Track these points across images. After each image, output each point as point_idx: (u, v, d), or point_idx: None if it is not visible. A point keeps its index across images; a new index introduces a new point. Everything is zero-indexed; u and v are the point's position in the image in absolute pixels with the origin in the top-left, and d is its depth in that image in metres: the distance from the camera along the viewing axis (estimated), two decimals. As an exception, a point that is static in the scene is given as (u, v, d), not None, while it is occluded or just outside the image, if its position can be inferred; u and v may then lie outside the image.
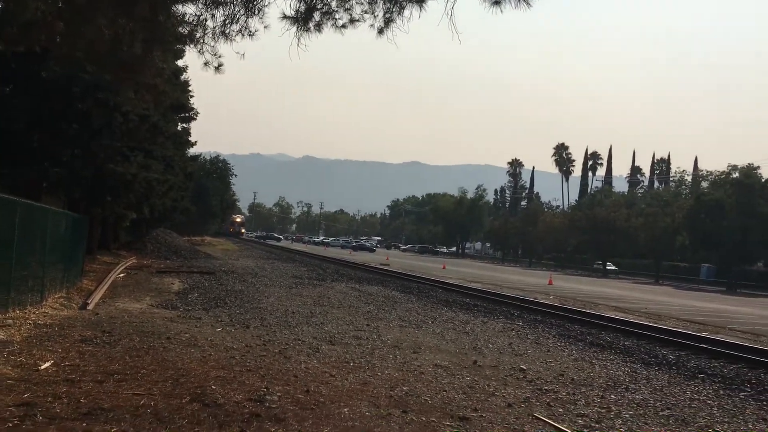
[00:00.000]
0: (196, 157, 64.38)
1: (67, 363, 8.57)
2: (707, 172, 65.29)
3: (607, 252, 73.64)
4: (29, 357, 8.74)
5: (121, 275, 23.21)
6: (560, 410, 8.14)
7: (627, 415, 8.15)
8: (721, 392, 10.20)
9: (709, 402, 9.37)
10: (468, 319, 17.42)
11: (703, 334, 17.00)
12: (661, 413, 8.44)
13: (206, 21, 10.15)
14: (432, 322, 15.95)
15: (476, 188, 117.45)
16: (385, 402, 7.82)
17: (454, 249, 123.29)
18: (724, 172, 59.07)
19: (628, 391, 9.67)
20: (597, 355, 12.99)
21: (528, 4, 8.53)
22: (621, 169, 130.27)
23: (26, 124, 21.25)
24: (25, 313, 12.23)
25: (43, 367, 8.23)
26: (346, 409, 7.32)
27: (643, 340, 15.57)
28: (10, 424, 5.97)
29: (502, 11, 8.76)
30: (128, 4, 9.38)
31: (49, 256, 14.68)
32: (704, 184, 64.96)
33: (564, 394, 9.08)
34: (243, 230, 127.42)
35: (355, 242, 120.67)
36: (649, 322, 19.65)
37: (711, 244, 56.97)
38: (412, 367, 10.14)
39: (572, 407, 8.34)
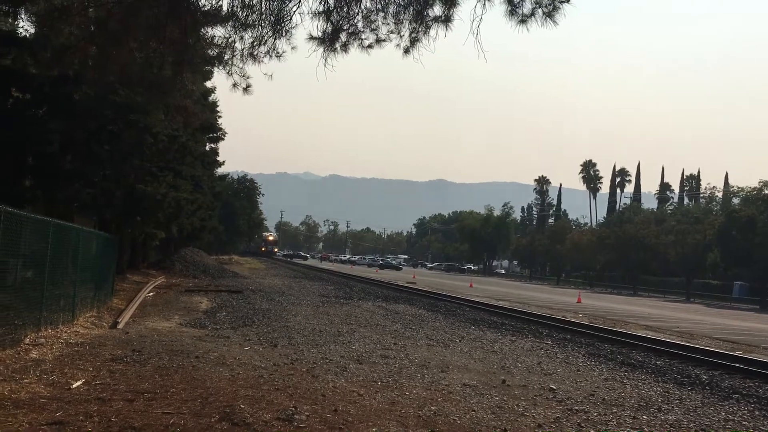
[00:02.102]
0: (223, 177, 65.16)
1: (98, 382, 8.66)
2: (738, 188, 64.51)
3: (636, 270, 72.70)
4: (61, 376, 8.85)
5: (151, 294, 23.44)
6: (591, 431, 8.03)
7: (660, 437, 8.00)
8: (757, 413, 9.97)
9: (744, 423, 9.17)
10: (496, 337, 17.29)
11: (737, 353, 16.66)
12: (695, 434, 8.27)
13: (235, 43, 10.32)
14: (460, 341, 15.85)
15: (503, 206, 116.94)
16: (414, 422, 7.77)
17: (480, 267, 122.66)
18: (755, 188, 58.20)
19: (661, 411, 9.49)
20: (628, 374, 12.79)
21: (555, 22, 8.54)
22: (649, 186, 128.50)
23: (59, 146, 21.69)
24: (57, 331, 12.41)
25: (74, 385, 8.33)
26: (374, 429, 7.29)
27: (675, 359, 15.31)
28: (43, 443, 6.04)
29: (528, 30, 8.79)
30: (159, 27, 9.55)
31: (81, 276, 14.90)
32: (735, 201, 64.01)
33: (595, 414, 8.95)
34: (276, 249, 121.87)
35: (382, 260, 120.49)
36: (681, 341, 19.33)
37: (743, 261, 55.96)
38: (441, 386, 10.07)
39: (603, 428, 8.21)
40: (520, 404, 9.21)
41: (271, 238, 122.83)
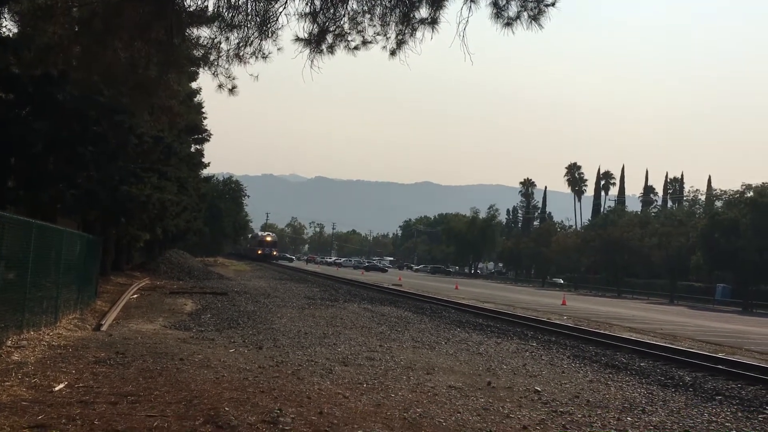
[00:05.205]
0: (209, 178, 64.84)
1: (81, 384, 8.59)
2: (721, 191, 64.91)
3: (620, 272, 73.14)
4: (43, 378, 8.76)
5: (135, 296, 23.28)
6: (576, 433, 8.05)
7: (644, 438, 8.04)
8: (740, 414, 10.06)
9: (727, 424, 9.25)
10: (481, 339, 17.32)
11: (720, 355, 16.80)
12: (678, 436, 8.32)
13: (220, 44, 10.26)
14: (445, 343, 15.87)
15: (488, 208, 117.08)
16: (399, 424, 7.77)
17: (466, 269, 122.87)
18: (738, 191, 58.63)
19: (645, 413, 9.55)
20: (612, 376, 12.86)
21: (540, 25, 8.58)
22: (634, 189, 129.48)
23: (43, 147, 21.46)
24: (40, 334, 12.29)
25: (57, 388, 8.25)
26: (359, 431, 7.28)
27: (659, 361, 15.41)
28: (25, 446, 5.98)
29: (513, 32, 8.83)
30: (144, 27, 9.49)
31: (64, 278, 14.77)
32: (718, 204, 64.49)
33: (579, 416, 8.98)
34: (275, 252, 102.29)
35: (368, 262, 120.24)
36: (665, 342, 19.46)
37: (726, 263, 56.39)
38: (426, 388, 10.07)
39: (588, 429, 8.25)
40: (506, 406, 9.23)
41: (269, 238, 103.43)
